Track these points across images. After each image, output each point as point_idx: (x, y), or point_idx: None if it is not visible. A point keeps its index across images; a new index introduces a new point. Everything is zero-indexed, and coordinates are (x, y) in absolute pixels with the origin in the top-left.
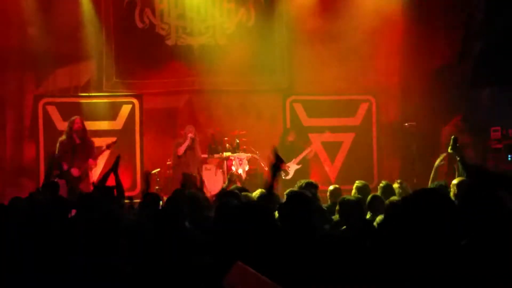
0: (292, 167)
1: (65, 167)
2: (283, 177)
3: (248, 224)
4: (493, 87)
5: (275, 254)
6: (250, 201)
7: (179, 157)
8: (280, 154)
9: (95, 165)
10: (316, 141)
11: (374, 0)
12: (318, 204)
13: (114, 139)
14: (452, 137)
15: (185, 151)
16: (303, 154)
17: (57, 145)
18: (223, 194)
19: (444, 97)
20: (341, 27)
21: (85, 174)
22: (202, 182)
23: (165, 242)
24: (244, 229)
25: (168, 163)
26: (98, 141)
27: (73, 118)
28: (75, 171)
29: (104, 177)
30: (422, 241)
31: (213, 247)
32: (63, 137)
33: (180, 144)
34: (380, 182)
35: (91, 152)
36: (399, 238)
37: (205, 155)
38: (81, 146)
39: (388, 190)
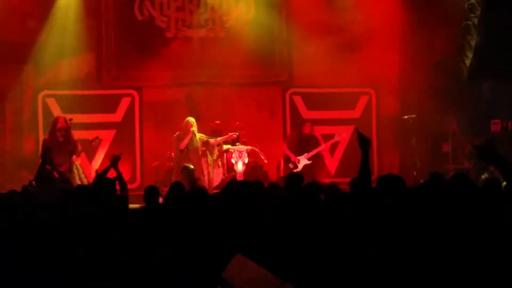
0: (302, 161)
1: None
2: (292, 169)
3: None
4: (493, 80)
5: None
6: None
7: (181, 151)
8: (295, 145)
9: (78, 161)
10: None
11: None
12: None
13: (95, 136)
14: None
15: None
16: (317, 150)
17: (41, 143)
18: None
19: (444, 90)
20: (341, 19)
21: (69, 171)
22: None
23: (166, 235)
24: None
25: (168, 154)
26: (96, 134)
27: (57, 116)
28: (60, 168)
29: (105, 170)
30: None
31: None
32: (46, 135)
33: (182, 138)
34: (379, 175)
35: (74, 150)
36: None
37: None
38: (64, 144)
39: None
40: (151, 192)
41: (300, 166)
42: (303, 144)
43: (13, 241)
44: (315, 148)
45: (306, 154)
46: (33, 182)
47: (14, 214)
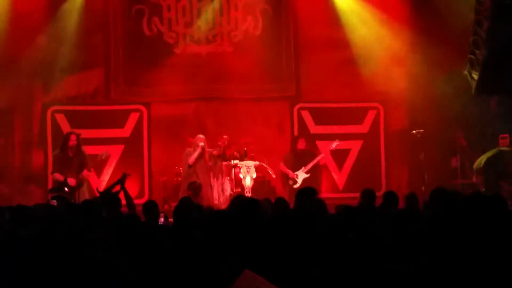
0: (300, 176)
1: (61, 178)
2: (291, 186)
3: None
4: (501, 94)
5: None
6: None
7: (190, 166)
8: (291, 162)
9: (89, 175)
10: (324, 149)
11: (381, 7)
12: None
13: (106, 149)
14: None
15: (196, 160)
16: (314, 162)
17: (50, 159)
18: None
19: (452, 105)
20: (348, 34)
21: (78, 185)
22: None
23: (174, 250)
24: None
25: (177, 169)
26: (105, 149)
27: (68, 133)
28: (71, 181)
29: (109, 188)
30: None
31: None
32: (57, 151)
33: (191, 154)
34: (387, 190)
35: (85, 164)
36: None
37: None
38: (75, 159)
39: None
40: (150, 207)
41: (300, 181)
42: (299, 160)
43: (37, 251)
44: (311, 161)
45: (303, 168)
46: (51, 200)
47: (38, 225)
